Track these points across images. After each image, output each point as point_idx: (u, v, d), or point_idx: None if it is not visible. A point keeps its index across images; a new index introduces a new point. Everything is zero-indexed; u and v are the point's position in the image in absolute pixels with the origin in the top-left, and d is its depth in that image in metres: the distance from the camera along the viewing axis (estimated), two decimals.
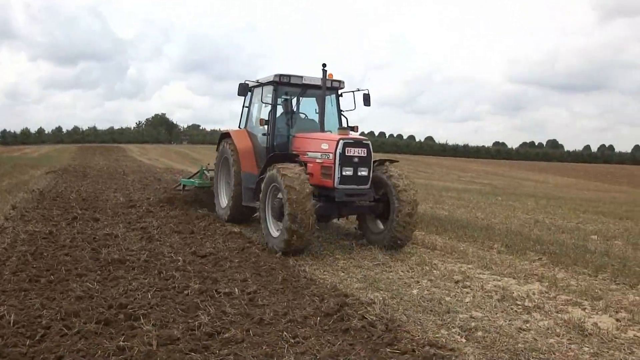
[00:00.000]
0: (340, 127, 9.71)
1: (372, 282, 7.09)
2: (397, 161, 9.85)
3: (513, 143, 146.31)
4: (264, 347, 4.63)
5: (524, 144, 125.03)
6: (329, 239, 10.05)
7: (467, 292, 6.82)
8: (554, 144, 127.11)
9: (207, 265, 7.43)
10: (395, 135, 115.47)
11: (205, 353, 4.48)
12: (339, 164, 8.69)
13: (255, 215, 10.64)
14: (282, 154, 9.48)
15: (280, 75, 9.97)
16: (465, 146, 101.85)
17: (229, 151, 10.88)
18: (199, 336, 4.78)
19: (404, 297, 6.48)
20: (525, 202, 19.49)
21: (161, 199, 13.63)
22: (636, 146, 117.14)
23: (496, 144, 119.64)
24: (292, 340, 4.81)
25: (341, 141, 8.72)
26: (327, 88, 10.00)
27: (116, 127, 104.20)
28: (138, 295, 5.83)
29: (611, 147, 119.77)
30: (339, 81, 10.43)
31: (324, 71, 9.86)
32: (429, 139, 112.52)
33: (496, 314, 6.01)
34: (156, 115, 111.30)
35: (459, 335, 5.28)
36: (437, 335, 5.22)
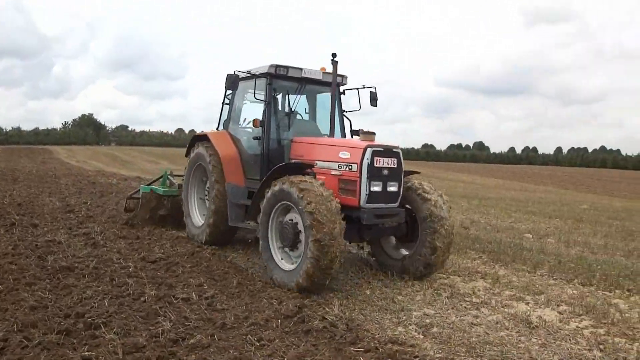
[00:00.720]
0: (364, 131, 7.88)
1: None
2: (419, 172, 8.55)
3: (441, 145, 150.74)
4: (231, 352, 4.67)
5: (452, 145, 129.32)
6: None
7: (417, 291, 7.08)
8: (480, 145, 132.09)
9: (160, 271, 7.34)
10: None
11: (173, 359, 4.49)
12: (367, 178, 7.07)
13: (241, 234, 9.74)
14: (294, 164, 7.69)
15: (277, 67, 8.30)
16: None
17: (207, 158, 9.03)
18: (164, 343, 4.75)
19: (359, 296, 6.67)
20: (458, 202, 20.16)
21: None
22: (558, 148, 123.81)
23: (425, 145, 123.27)
24: (258, 343, 4.88)
25: (369, 149, 7.12)
26: (327, 84, 8.58)
27: (41, 127, 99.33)
28: (94, 303, 5.70)
29: (535, 149, 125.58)
30: (342, 76, 8.78)
31: (335, 62, 8.30)
32: None
33: (447, 310, 6.30)
34: (83, 115, 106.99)
35: (416, 332, 5.50)
36: (395, 333, 5.43)
